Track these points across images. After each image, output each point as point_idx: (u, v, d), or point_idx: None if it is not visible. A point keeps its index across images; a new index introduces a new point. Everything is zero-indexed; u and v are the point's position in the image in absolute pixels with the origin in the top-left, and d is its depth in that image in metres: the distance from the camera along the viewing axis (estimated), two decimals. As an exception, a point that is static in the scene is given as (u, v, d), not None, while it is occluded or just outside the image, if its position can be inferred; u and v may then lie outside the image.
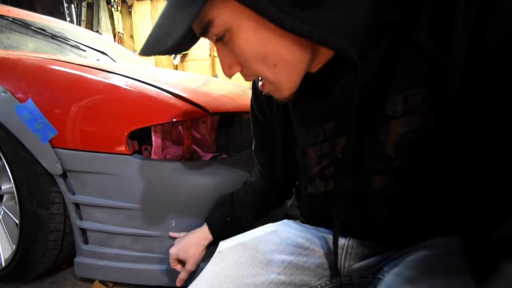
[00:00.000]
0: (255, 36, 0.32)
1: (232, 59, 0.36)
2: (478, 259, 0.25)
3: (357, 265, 0.45)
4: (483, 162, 0.27)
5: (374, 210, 0.39)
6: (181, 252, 0.65)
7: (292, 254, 0.46)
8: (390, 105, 0.34)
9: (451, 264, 0.30)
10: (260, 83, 0.40)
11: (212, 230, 0.65)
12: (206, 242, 0.65)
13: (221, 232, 0.65)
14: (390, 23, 0.32)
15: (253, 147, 0.63)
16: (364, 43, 0.32)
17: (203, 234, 0.65)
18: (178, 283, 0.66)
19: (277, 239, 0.48)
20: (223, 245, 0.48)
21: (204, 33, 0.34)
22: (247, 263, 0.44)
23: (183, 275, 0.66)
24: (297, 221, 0.55)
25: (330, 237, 0.49)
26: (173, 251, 0.65)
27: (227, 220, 0.65)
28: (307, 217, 0.56)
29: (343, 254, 0.46)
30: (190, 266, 0.64)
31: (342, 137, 0.40)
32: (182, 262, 0.66)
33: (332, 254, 0.47)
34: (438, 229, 0.37)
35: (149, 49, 0.32)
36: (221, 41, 0.35)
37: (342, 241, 0.46)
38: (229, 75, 0.38)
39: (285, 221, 0.55)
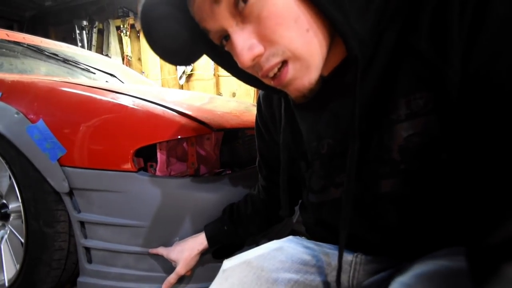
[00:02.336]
0: None
1: (253, 38, 0.32)
2: (475, 264, 0.24)
3: (366, 282, 0.44)
4: (480, 165, 0.27)
5: (381, 215, 0.39)
6: (175, 253, 0.64)
7: (298, 272, 0.45)
8: (394, 110, 0.34)
9: (451, 272, 0.30)
10: (276, 77, 0.35)
11: (208, 236, 0.64)
12: (201, 248, 0.64)
13: (216, 240, 0.64)
14: (391, 32, 0.33)
15: (257, 162, 0.64)
16: (367, 48, 0.34)
17: (199, 239, 0.65)
18: (164, 287, 0.64)
19: (282, 257, 0.47)
20: (227, 263, 0.47)
21: None
22: (252, 283, 0.43)
23: (172, 278, 0.64)
24: (303, 237, 0.54)
25: (336, 254, 0.48)
26: (165, 250, 0.65)
27: (224, 228, 0.64)
28: (313, 232, 0.55)
29: (351, 272, 0.45)
30: (180, 269, 0.63)
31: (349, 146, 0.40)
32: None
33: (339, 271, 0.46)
34: (446, 235, 0.36)
35: None
36: (240, 17, 0.31)
37: (349, 257, 0.45)
38: (250, 58, 0.32)
39: (291, 237, 0.54)
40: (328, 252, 0.48)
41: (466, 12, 0.28)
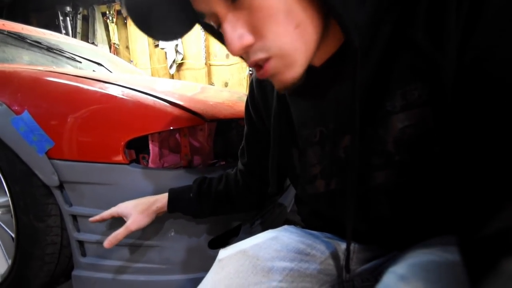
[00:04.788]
0: None
1: (243, 27, 0.32)
2: (469, 257, 0.24)
3: (360, 269, 0.45)
4: (475, 156, 0.27)
5: (374, 206, 0.39)
6: (128, 208, 0.59)
7: (294, 261, 0.46)
8: (390, 101, 0.34)
9: (446, 262, 0.31)
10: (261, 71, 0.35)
11: (170, 198, 0.61)
12: (158, 206, 0.60)
13: (176, 205, 0.61)
14: (388, 23, 0.33)
15: (240, 148, 0.62)
16: (364, 39, 0.33)
17: (159, 198, 0.61)
18: (106, 244, 0.57)
19: (277, 246, 0.47)
20: (223, 253, 0.47)
21: None
22: (248, 271, 0.43)
23: (120, 233, 0.58)
24: (298, 226, 0.55)
25: (331, 242, 0.49)
26: (121, 204, 0.59)
27: (189, 196, 0.61)
28: (308, 221, 0.56)
29: (344, 259, 0.46)
30: (131, 224, 0.58)
31: (344, 135, 0.40)
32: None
33: (334, 259, 0.47)
34: (437, 226, 0.37)
35: None
36: (232, 3, 0.31)
37: (343, 246, 0.46)
38: (239, 48, 0.32)
39: (286, 226, 0.54)
40: (324, 241, 0.49)
41: (463, 3, 0.28)
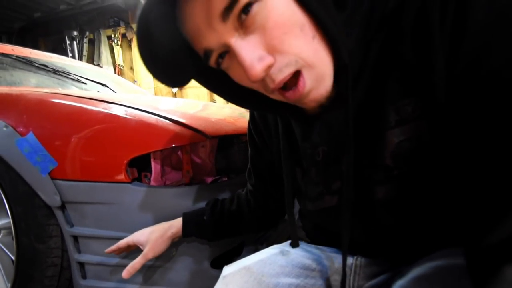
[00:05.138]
0: (289, 4, 0.29)
1: (261, 48, 0.30)
2: (474, 266, 0.24)
3: (367, 284, 0.44)
4: (474, 167, 0.27)
5: (377, 220, 0.39)
6: (144, 236, 0.58)
7: (299, 277, 0.45)
8: (384, 117, 0.35)
9: (452, 273, 0.31)
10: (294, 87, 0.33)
11: (184, 222, 0.60)
12: (173, 231, 0.60)
13: (191, 229, 0.60)
14: (377, 42, 0.34)
15: (247, 170, 0.63)
16: (355, 59, 0.34)
17: (173, 223, 0.61)
18: (125, 274, 0.57)
19: (282, 261, 0.46)
20: (227, 270, 0.46)
21: (229, 9, 0.28)
22: None
23: (137, 262, 0.58)
24: (302, 241, 0.54)
25: (336, 257, 0.48)
26: (136, 233, 0.59)
27: (203, 218, 0.60)
28: (312, 237, 0.55)
29: (352, 275, 0.45)
30: (148, 252, 0.58)
31: (344, 153, 0.40)
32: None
33: (339, 275, 0.45)
34: (442, 237, 0.37)
35: None
36: (243, 27, 0.30)
37: (350, 260, 0.45)
38: (261, 70, 0.30)
39: (290, 242, 0.53)
40: (329, 256, 0.48)
41: (446, 18, 0.28)
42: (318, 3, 0.30)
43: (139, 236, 0.60)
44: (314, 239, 0.54)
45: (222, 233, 0.62)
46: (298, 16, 0.29)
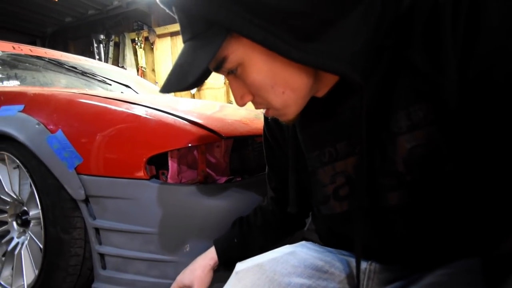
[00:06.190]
0: (265, 68, 0.36)
1: (243, 90, 0.39)
2: (489, 274, 0.24)
3: None
4: (490, 172, 0.26)
5: (390, 226, 0.39)
6: (187, 276, 0.62)
7: (311, 278, 0.45)
8: (395, 122, 0.35)
9: (466, 282, 0.29)
10: (264, 110, 0.43)
11: (218, 250, 0.63)
12: (212, 263, 0.62)
13: (227, 254, 0.63)
14: (386, 47, 0.34)
15: (266, 173, 0.64)
16: (364, 67, 0.34)
17: (209, 255, 0.63)
18: None
19: (295, 261, 0.47)
20: (240, 266, 0.47)
21: (218, 68, 0.37)
22: (264, 286, 0.43)
23: None
24: (315, 243, 0.54)
25: (350, 260, 0.48)
26: (178, 277, 0.63)
27: (234, 241, 0.63)
28: (325, 240, 0.55)
29: (365, 280, 0.44)
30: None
31: (352, 156, 0.40)
32: None
33: (353, 278, 0.45)
34: (456, 244, 0.36)
35: (171, 87, 0.35)
36: (233, 74, 0.38)
37: (363, 265, 0.45)
38: (242, 104, 0.41)
39: (303, 242, 0.54)
40: (342, 259, 0.48)
41: (458, 22, 0.28)
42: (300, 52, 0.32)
43: (184, 280, 0.62)
44: (327, 242, 0.54)
45: (257, 249, 0.63)
46: (270, 78, 0.36)
